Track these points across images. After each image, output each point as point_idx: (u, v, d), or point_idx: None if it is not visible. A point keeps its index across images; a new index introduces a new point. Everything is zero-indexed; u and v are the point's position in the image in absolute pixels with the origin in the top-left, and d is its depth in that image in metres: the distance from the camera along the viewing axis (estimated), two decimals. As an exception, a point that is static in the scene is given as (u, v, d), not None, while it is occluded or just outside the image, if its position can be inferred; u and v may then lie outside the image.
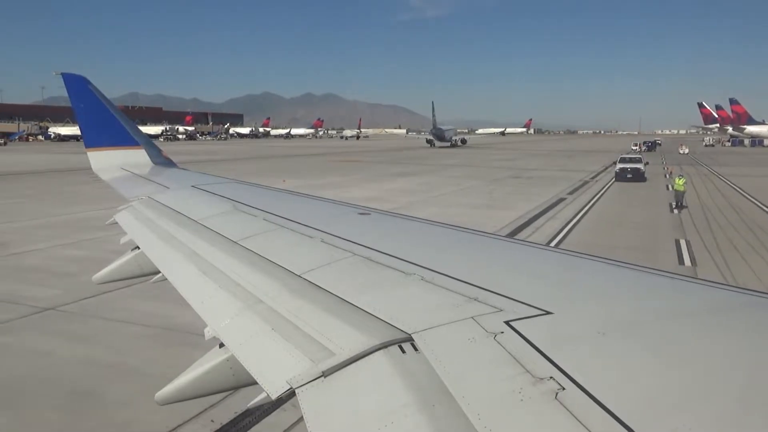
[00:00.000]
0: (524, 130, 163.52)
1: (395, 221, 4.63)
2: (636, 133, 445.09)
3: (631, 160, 45.39)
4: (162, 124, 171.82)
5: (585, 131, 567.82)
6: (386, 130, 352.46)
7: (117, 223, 5.84)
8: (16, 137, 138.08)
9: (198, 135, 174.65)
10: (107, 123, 8.05)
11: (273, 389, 2.20)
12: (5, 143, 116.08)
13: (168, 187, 6.63)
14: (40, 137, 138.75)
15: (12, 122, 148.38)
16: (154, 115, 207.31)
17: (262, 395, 2.30)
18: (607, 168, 58.62)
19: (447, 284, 2.67)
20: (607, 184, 41.58)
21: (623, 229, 24.10)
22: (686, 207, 29.06)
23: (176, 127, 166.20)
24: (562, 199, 33.05)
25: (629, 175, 42.81)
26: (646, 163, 46.16)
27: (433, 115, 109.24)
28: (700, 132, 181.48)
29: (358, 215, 4.70)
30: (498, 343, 2.02)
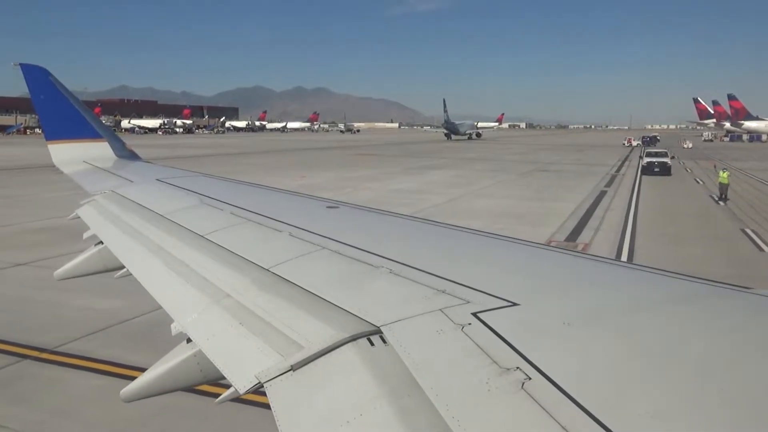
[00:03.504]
0: (496, 124, 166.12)
1: (364, 215, 4.63)
2: (627, 128, 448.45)
3: (657, 154, 46.40)
4: (158, 118, 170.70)
5: (576, 126, 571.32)
6: (376, 124, 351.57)
7: (79, 217, 5.69)
8: (14, 130, 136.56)
9: (194, 129, 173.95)
10: (69, 115, 7.84)
11: (241, 384, 2.20)
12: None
13: (132, 181, 6.51)
14: (37, 130, 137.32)
15: (9, 115, 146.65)
16: (149, 109, 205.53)
17: (231, 390, 2.29)
18: (623, 162, 59.53)
19: (415, 277, 2.67)
20: (636, 178, 42.26)
21: (684, 219, 24.61)
22: (728, 199, 29.71)
23: (174, 121, 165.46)
24: (603, 192, 33.61)
25: (656, 169, 43.62)
26: (672, 157, 47.02)
27: (445, 111, 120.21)
28: (691, 128, 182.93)
29: (326, 209, 4.68)
30: (466, 334, 2.04)
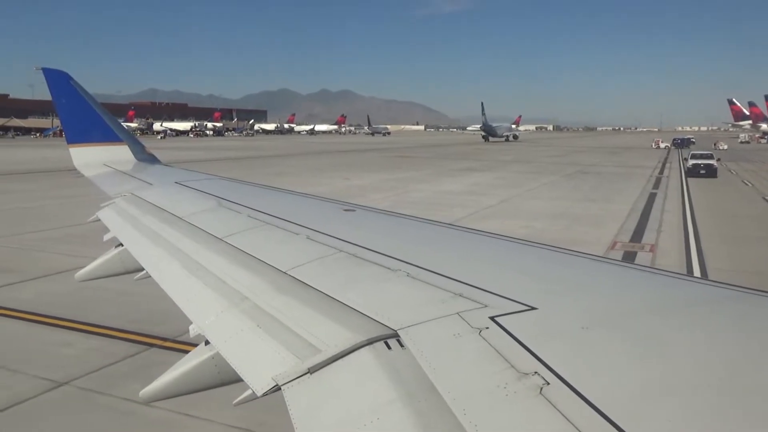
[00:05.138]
0: (514, 126, 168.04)
1: (380, 218, 4.66)
2: (657, 129, 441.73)
3: (702, 156, 46.07)
4: (188, 120, 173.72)
5: (604, 128, 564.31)
6: (404, 127, 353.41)
7: (100, 219, 5.76)
8: (51, 133, 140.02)
9: (224, 131, 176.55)
10: (90, 119, 7.93)
11: (258, 386, 2.21)
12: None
13: (151, 184, 6.55)
14: None
15: (46, 118, 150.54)
16: (179, 111, 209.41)
17: (248, 392, 2.31)
18: (663, 164, 59.00)
19: (432, 280, 2.68)
20: (681, 180, 41.87)
21: (743, 221, 24.29)
22: None
23: (204, 123, 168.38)
24: (653, 194, 33.34)
25: (702, 171, 43.19)
26: (718, 159, 46.52)
27: (483, 114, 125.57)
28: (724, 129, 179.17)
29: (343, 212, 4.71)
30: (483, 338, 2.03)
